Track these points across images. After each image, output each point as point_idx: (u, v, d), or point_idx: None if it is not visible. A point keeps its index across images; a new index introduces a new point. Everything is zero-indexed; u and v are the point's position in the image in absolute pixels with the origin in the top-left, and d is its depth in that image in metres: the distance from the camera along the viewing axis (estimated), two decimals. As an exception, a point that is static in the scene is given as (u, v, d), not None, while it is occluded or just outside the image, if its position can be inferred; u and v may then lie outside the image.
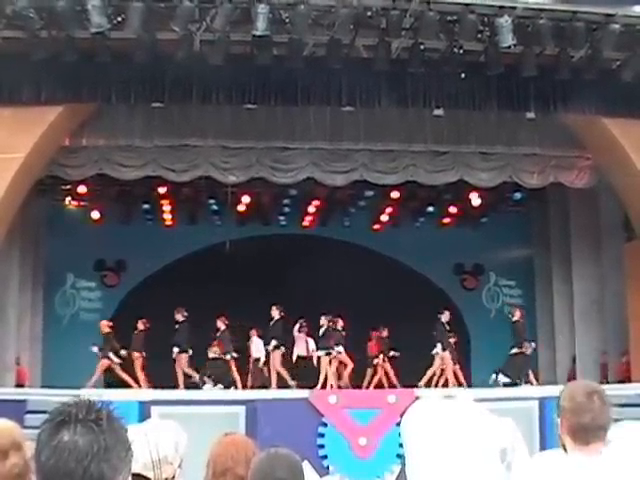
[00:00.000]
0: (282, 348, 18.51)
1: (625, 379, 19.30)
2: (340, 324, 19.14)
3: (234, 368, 18.51)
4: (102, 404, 1.91)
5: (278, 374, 18.32)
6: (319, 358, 18.43)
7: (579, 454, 3.32)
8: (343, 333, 19.19)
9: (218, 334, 18.89)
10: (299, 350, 20.28)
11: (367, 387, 19.59)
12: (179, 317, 19.17)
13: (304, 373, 19.13)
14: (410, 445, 2.58)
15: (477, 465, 2.49)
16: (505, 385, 18.25)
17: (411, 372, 19.39)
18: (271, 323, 18.66)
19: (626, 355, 19.81)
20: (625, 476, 3.23)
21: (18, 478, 2.79)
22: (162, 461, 3.25)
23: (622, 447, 3.44)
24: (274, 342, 18.32)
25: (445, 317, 19.61)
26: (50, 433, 1.85)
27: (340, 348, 18.81)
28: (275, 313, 18.55)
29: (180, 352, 18.85)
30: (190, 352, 18.91)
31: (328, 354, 18.39)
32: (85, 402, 1.90)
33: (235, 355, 18.64)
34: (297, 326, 19.89)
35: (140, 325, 19.20)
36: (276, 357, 18.36)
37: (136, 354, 18.89)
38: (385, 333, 20.51)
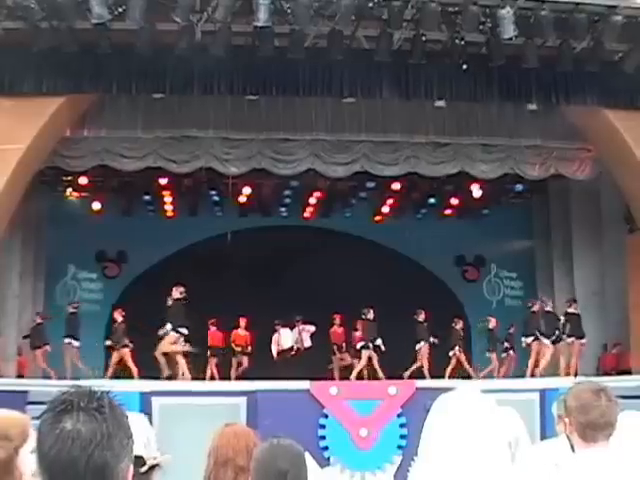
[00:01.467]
0: (177, 332, 17.44)
1: (613, 370, 19.44)
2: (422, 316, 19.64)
3: (129, 358, 18.17)
4: (103, 392, 1.90)
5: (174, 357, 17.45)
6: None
7: (587, 452, 3.33)
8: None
9: (115, 325, 18.80)
10: (292, 342, 20.40)
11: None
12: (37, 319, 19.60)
13: (300, 365, 19.20)
14: (424, 436, 2.60)
15: (486, 457, 2.50)
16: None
17: (410, 364, 19.44)
18: (169, 304, 17.54)
19: (617, 346, 19.96)
20: (633, 469, 3.23)
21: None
22: (150, 440, 3.30)
23: (627, 437, 3.44)
24: (169, 325, 17.11)
25: (572, 309, 19.34)
26: (52, 422, 1.84)
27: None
28: (175, 293, 17.38)
29: (34, 348, 19.10)
30: (48, 347, 19.09)
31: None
32: (86, 390, 1.90)
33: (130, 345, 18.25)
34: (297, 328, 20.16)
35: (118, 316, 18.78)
36: (170, 341, 17.54)
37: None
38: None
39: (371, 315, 19.09)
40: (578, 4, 14.60)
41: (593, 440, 3.34)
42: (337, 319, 20.77)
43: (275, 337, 20.52)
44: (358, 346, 18.89)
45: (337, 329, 20.75)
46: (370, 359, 18.66)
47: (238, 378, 19.10)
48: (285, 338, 20.78)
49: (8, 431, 2.84)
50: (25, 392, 13.97)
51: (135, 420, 3.35)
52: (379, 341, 18.84)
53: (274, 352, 20.40)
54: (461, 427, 2.52)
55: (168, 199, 23.47)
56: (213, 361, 19.79)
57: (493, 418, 2.59)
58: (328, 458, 14.18)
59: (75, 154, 17.83)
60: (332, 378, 19.35)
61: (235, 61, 15.65)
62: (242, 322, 20.43)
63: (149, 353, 19.25)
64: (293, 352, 20.49)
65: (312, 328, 20.51)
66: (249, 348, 20.43)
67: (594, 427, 3.34)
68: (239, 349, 20.32)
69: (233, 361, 20.14)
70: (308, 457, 3.38)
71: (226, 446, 3.69)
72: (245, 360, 20.19)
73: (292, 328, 20.78)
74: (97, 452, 1.81)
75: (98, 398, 1.88)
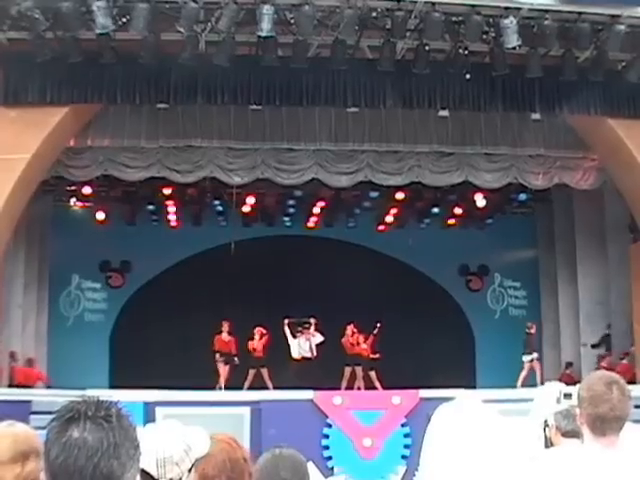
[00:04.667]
0: None
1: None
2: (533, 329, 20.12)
3: None
4: (111, 402, 1.91)
5: None
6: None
7: (596, 445, 3.31)
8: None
9: None
10: (303, 352, 20.26)
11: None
12: None
13: (308, 374, 19.14)
14: (429, 448, 2.59)
15: (486, 467, 2.49)
16: None
17: (414, 374, 19.40)
18: None
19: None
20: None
21: None
22: (167, 460, 3.23)
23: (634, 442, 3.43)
24: None
25: None
26: (59, 430, 1.85)
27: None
28: None
29: None
30: None
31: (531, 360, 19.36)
32: (94, 399, 1.90)
33: None
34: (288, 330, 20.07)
35: None
36: None
37: None
38: None
39: (534, 330, 19.93)
40: (581, 13, 14.62)
41: (602, 433, 3.31)
42: (349, 329, 20.62)
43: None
44: (525, 359, 19.42)
45: (349, 339, 20.63)
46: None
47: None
48: (293, 347, 20.67)
49: (35, 446, 2.87)
50: (28, 402, 13.97)
51: (167, 436, 3.30)
52: (535, 354, 19.64)
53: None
54: (460, 436, 2.51)
55: (172, 209, 23.48)
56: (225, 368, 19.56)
57: (494, 427, 2.59)
58: (332, 468, 14.14)
59: (79, 164, 17.86)
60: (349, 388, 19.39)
61: (239, 71, 15.69)
62: (257, 332, 20.18)
63: (155, 360, 19.31)
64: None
65: (320, 338, 20.34)
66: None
67: (603, 420, 3.29)
68: (258, 357, 20.02)
69: (250, 372, 19.81)
70: (312, 467, 3.36)
71: (207, 461, 3.62)
72: (265, 371, 19.86)
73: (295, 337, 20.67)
74: (103, 461, 1.82)
75: (106, 407, 1.89)
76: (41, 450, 2.83)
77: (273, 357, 20.11)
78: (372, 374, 20.09)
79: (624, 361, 19.86)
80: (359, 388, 19.60)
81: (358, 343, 20.36)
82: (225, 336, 19.85)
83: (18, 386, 18.24)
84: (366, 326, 20.48)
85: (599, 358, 20.85)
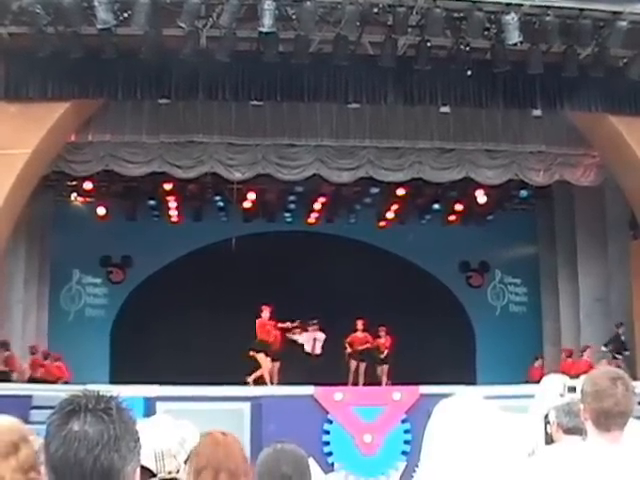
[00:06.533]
0: None
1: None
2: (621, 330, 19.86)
3: None
4: (111, 395, 1.91)
5: None
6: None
7: (600, 440, 3.31)
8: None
9: None
10: (306, 347, 20.26)
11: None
12: None
13: (311, 370, 19.15)
14: (430, 444, 2.59)
15: (486, 462, 2.49)
16: None
17: (414, 369, 19.42)
18: None
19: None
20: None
21: (31, 470, 2.79)
22: (165, 453, 3.24)
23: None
24: None
25: None
26: (60, 423, 1.85)
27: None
28: None
29: None
30: None
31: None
32: (94, 393, 1.91)
33: None
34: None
35: None
36: None
37: None
38: None
39: (622, 330, 19.60)
40: (583, 10, 14.60)
41: (606, 429, 3.30)
42: (359, 324, 20.63)
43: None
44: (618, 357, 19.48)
45: (359, 334, 20.63)
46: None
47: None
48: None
49: (23, 433, 2.86)
50: (29, 397, 13.98)
51: (163, 430, 3.30)
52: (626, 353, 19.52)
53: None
54: (460, 433, 2.51)
55: (173, 204, 23.49)
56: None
57: (494, 423, 2.59)
58: (332, 464, 14.16)
59: (80, 159, 17.86)
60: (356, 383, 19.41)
61: (240, 67, 15.69)
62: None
63: (156, 355, 19.29)
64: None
65: (322, 336, 20.32)
66: None
67: (607, 415, 3.29)
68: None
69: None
70: (312, 463, 3.37)
71: (204, 453, 3.62)
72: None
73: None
74: (104, 454, 1.82)
75: (106, 400, 1.89)
76: (28, 437, 2.83)
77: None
78: (384, 367, 20.18)
79: (585, 356, 19.61)
80: (364, 383, 19.64)
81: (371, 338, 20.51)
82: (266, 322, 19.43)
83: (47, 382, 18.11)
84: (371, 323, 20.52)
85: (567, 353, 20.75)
